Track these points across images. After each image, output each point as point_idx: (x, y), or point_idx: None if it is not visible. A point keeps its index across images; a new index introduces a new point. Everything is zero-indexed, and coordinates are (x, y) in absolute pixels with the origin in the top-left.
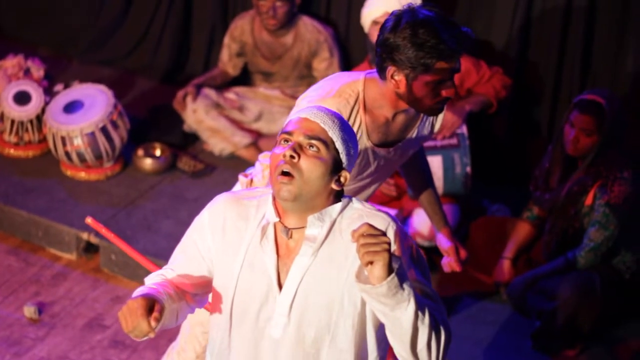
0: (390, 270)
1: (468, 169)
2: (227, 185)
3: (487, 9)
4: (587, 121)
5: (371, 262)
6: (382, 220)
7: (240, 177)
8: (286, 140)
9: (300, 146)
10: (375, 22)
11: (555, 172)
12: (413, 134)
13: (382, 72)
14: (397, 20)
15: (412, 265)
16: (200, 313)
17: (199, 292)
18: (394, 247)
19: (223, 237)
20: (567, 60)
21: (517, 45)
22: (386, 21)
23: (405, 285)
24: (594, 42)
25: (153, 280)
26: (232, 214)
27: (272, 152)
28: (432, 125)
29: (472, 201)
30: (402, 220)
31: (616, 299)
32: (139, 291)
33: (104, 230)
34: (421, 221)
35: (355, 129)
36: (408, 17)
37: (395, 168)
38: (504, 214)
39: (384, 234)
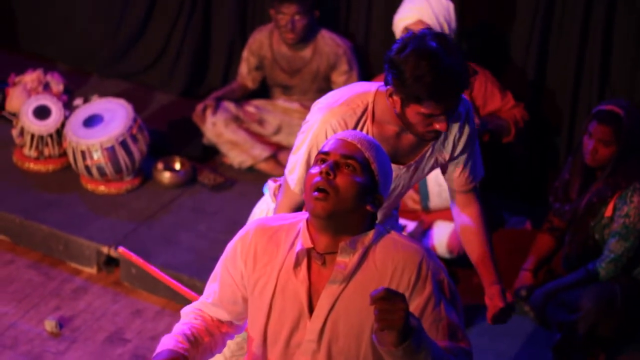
0: (406, 333)
1: None
2: (246, 198)
3: (506, 14)
4: (605, 132)
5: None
6: (416, 253)
7: (270, 182)
8: (323, 160)
9: (337, 165)
10: (407, 30)
11: (575, 183)
12: (428, 151)
13: (386, 86)
14: (403, 46)
15: (443, 299)
16: None
17: (236, 319)
18: (412, 302)
19: (255, 265)
20: (585, 71)
21: (536, 55)
22: (396, 41)
23: (423, 346)
24: (612, 53)
25: (186, 318)
26: (263, 240)
27: (308, 172)
28: (455, 144)
29: (492, 213)
30: (422, 233)
31: (637, 310)
32: (163, 344)
33: (134, 258)
34: (441, 234)
35: None
36: (414, 45)
37: (410, 188)
38: (524, 226)
39: (402, 297)
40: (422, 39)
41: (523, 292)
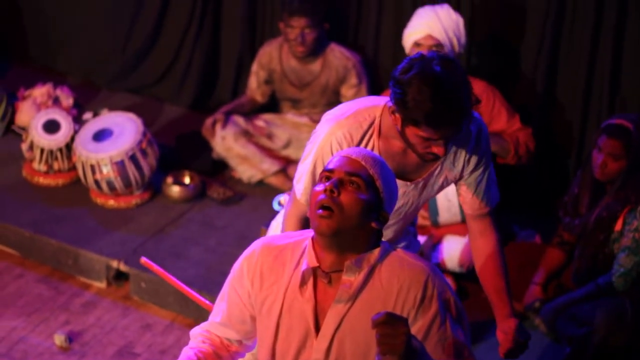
0: (408, 357)
1: None
2: (256, 212)
3: (515, 27)
4: (615, 146)
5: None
6: (422, 271)
7: (286, 196)
8: (327, 178)
9: (341, 182)
10: (416, 44)
11: (584, 197)
12: (436, 169)
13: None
14: (409, 66)
15: (449, 318)
16: None
17: (245, 338)
18: (417, 321)
19: (261, 284)
20: (595, 84)
21: (545, 68)
22: (404, 60)
23: None
24: (623, 64)
25: (194, 341)
26: (269, 259)
27: (313, 190)
28: (465, 164)
29: (501, 227)
30: (432, 247)
31: None
32: None
33: (155, 268)
34: (451, 248)
35: None
36: (419, 68)
37: (420, 206)
38: (534, 239)
39: (404, 321)
40: (429, 63)
41: (537, 304)
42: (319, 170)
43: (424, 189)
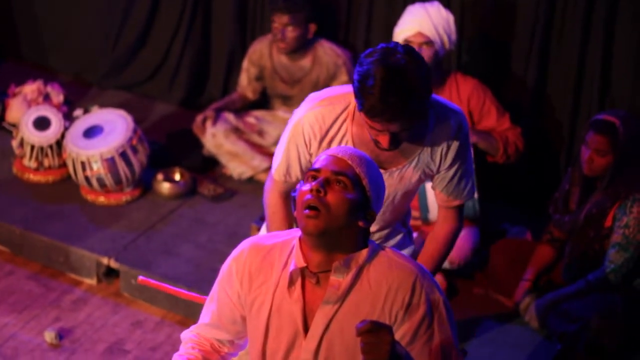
0: None
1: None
2: (246, 209)
3: (506, 25)
4: (601, 141)
5: None
6: (410, 272)
7: None
8: (314, 177)
9: (328, 182)
10: (407, 41)
11: (574, 193)
12: (413, 161)
13: None
14: (372, 52)
15: (437, 319)
16: None
17: (237, 338)
18: (405, 323)
19: (250, 285)
20: (585, 82)
21: (536, 65)
22: (377, 46)
23: None
24: (612, 65)
25: (183, 347)
26: (257, 259)
27: (299, 189)
28: (442, 158)
29: (492, 224)
30: (422, 244)
31: (638, 321)
32: None
33: (153, 283)
34: None
35: (339, 137)
36: (380, 56)
37: (397, 200)
38: (525, 236)
39: (389, 329)
40: (393, 54)
41: (528, 301)
42: (292, 150)
43: (400, 179)
